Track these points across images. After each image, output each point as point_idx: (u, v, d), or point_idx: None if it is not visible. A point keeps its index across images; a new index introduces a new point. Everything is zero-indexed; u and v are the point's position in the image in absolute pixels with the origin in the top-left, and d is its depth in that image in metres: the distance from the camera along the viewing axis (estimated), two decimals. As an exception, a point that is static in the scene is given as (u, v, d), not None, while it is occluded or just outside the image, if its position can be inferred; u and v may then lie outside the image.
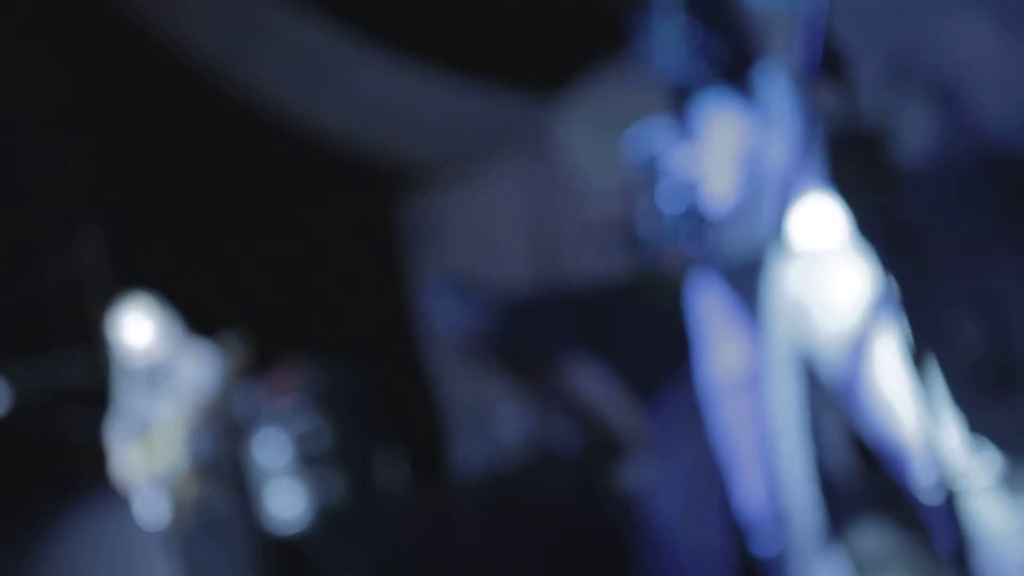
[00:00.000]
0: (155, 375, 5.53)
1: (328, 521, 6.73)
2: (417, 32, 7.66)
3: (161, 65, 7.67)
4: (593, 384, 4.83)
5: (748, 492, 2.93)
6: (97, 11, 7.39)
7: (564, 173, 7.92)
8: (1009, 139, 5.52)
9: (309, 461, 6.84)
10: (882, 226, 2.95)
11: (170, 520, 5.44)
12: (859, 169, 2.08)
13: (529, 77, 8.12)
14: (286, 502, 6.86)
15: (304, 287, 8.02)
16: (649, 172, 2.94)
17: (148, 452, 5.58)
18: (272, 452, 6.83)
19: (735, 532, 3.77)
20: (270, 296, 7.85)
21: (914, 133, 6.19)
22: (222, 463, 5.51)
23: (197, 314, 6.48)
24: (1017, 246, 3.90)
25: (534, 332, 5.15)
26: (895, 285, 2.83)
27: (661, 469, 3.98)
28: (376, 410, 7.01)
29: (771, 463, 2.90)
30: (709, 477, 3.74)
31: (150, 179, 7.59)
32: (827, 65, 2.01)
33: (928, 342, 3.84)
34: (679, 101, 2.91)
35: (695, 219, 2.89)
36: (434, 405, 8.93)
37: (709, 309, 3.06)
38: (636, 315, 5.17)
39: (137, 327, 5.50)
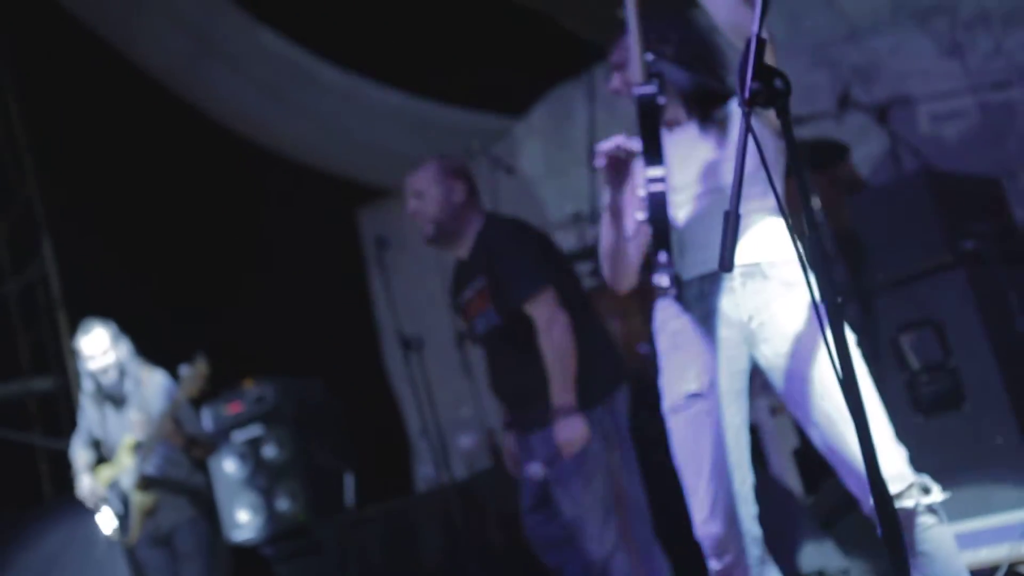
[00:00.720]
0: (114, 393, 5.58)
1: (284, 533, 6.77)
2: (385, 52, 7.72)
3: (122, 84, 7.69)
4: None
5: (698, 512, 2.97)
6: (57, 34, 7.39)
7: (525, 190, 8.03)
8: (949, 156, 5.67)
9: (267, 473, 6.87)
10: (825, 242, 3.02)
11: (127, 530, 5.50)
12: (803, 186, 2.14)
13: (493, 97, 8.23)
14: (243, 513, 6.89)
15: (267, 302, 8.03)
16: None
17: (106, 466, 5.63)
18: (230, 464, 6.87)
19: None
20: (233, 312, 7.86)
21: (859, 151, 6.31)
22: (177, 476, 5.54)
23: (157, 331, 6.51)
24: (958, 260, 3.99)
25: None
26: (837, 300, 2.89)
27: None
28: (336, 424, 7.04)
29: (720, 483, 2.93)
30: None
31: (108, 199, 7.59)
32: (765, 90, 2.07)
33: (867, 357, 3.94)
34: (646, 122, 2.97)
35: (660, 234, 2.96)
36: (394, 419, 9.00)
37: (668, 328, 3.11)
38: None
39: (97, 348, 5.55)
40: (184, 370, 5.37)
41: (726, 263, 2.07)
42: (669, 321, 3.04)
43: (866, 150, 6.33)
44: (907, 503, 2.76)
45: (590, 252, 5.96)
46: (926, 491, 2.79)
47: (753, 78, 2.09)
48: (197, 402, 5.75)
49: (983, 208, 4.33)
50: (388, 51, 7.69)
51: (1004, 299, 3.98)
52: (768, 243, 2.91)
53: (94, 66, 7.53)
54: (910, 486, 2.77)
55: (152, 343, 6.02)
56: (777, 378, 2.91)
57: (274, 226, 8.15)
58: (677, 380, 3.02)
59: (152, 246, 7.72)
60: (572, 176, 8.17)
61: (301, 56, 7.74)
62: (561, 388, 3.89)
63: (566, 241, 6.96)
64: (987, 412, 3.82)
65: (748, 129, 2.10)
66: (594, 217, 5.64)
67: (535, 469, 3.93)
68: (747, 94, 2.08)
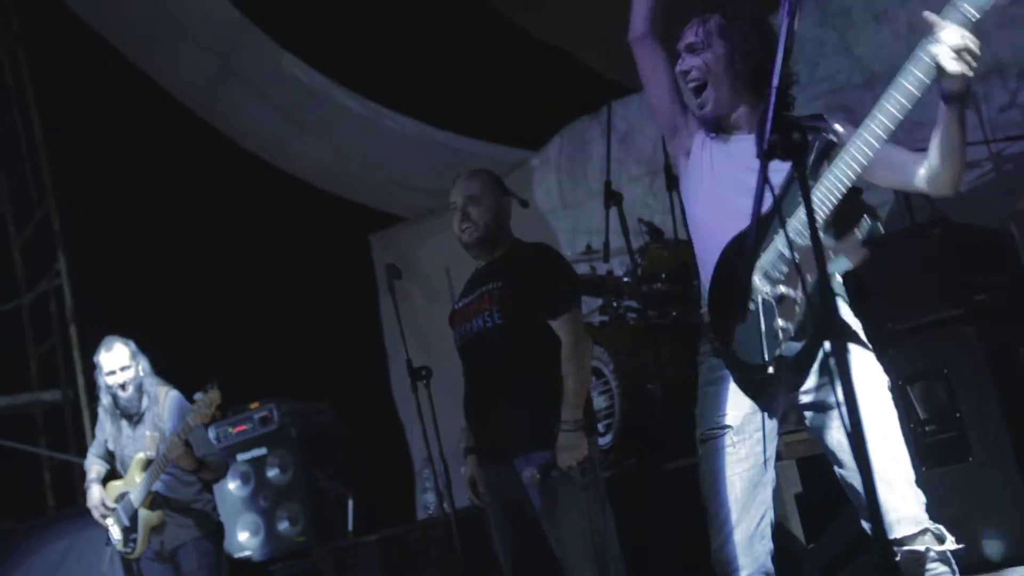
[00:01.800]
0: (130, 409, 5.62)
1: (283, 554, 6.80)
2: (404, 81, 7.79)
3: (145, 104, 7.77)
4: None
5: (714, 538, 3.00)
6: (83, 53, 7.48)
7: (539, 222, 8.06)
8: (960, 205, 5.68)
9: (269, 494, 6.91)
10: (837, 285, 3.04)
11: (133, 544, 5.53)
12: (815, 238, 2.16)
13: (510, 129, 8.29)
14: (244, 532, 6.92)
15: (278, 325, 8.08)
16: None
17: (118, 479, 5.66)
18: (233, 483, 6.90)
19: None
20: (244, 333, 7.90)
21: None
22: (185, 497, 5.58)
23: (169, 349, 6.54)
24: (969, 313, 4.01)
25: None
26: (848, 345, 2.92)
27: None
28: (340, 449, 7.07)
29: (740, 514, 2.96)
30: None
31: (125, 217, 7.65)
32: (783, 142, 2.10)
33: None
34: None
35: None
36: (400, 447, 9.00)
37: (709, 361, 3.14)
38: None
39: (117, 363, 5.61)
40: (198, 396, 5.41)
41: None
42: (710, 355, 3.03)
43: (880, 196, 6.35)
44: (918, 547, 2.77)
45: (602, 287, 5.98)
46: (940, 539, 2.79)
47: (772, 130, 2.11)
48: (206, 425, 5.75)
49: (994, 260, 4.35)
50: (407, 80, 7.76)
51: (1013, 353, 3.99)
52: (779, 277, 2.88)
53: (118, 86, 7.63)
54: (924, 531, 2.77)
55: (163, 361, 6.06)
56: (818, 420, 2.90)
57: (288, 249, 8.20)
58: (711, 411, 3.06)
59: (166, 265, 7.77)
60: (586, 210, 8.21)
61: (322, 83, 7.82)
62: (574, 405, 3.93)
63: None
64: (992, 466, 3.83)
65: (764, 179, 2.12)
66: (607, 253, 5.64)
67: (529, 473, 3.93)
68: (765, 146, 2.11)
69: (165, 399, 5.73)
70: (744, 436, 3.00)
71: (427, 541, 5.65)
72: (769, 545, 3.02)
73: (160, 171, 7.76)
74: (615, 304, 5.76)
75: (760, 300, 2.83)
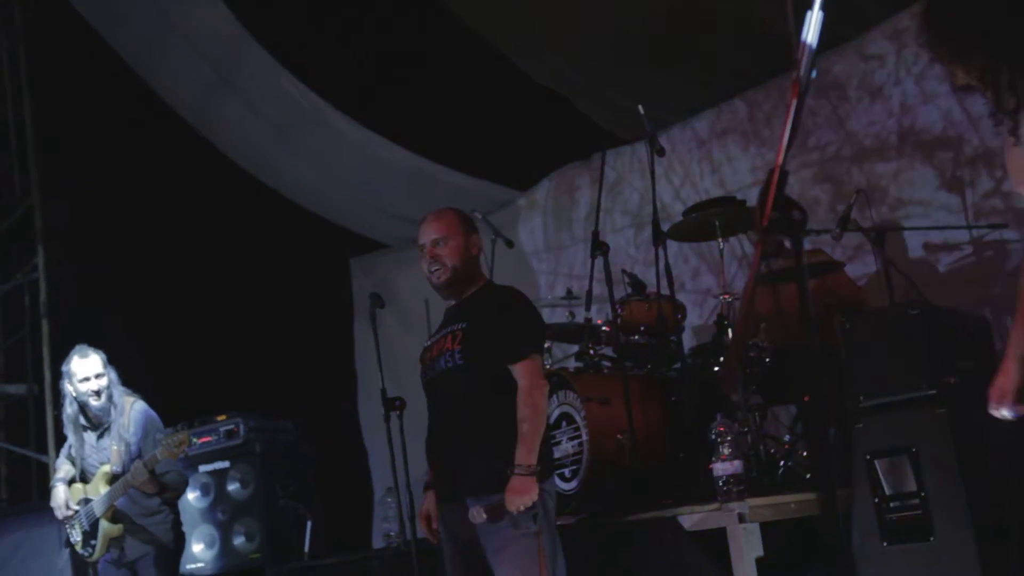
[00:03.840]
0: (98, 418, 5.63)
1: (236, 570, 6.76)
2: (400, 110, 7.83)
3: (138, 108, 7.77)
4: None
5: None
6: (79, 52, 7.48)
7: (521, 263, 8.11)
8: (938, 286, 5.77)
9: (228, 508, 6.88)
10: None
11: (91, 549, 5.53)
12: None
13: (500, 168, 8.35)
14: (199, 544, 6.88)
15: (252, 340, 8.07)
16: None
17: (81, 488, 5.66)
18: (192, 494, 6.87)
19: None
20: (217, 344, 7.89)
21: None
22: (145, 514, 5.60)
23: (143, 357, 6.54)
24: (941, 395, 4.08)
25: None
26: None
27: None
28: (304, 469, 7.05)
29: None
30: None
31: (106, 219, 7.63)
32: (783, 220, 2.15)
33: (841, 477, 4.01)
34: None
35: None
36: (362, 474, 8.99)
37: None
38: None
39: (91, 370, 5.64)
40: (168, 432, 5.50)
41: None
42: None
43: (860, 269, 6.46)
44: None
45: (579, 333, 6.03)
46: None
47: (773, 207, 2.17)
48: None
49: (969, 344, 4.42)
50: (403, 110, 7.81)
51: (981, 438, 4.05)
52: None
53: (115, 88, 7.63)
54: None
55: (133, 368, 6.06)
56: None
57: (269, 265, 8.20)
58: None
59: (145, 269, 7.75)
60: (568, 254, 8.28)
61: (318, 103, 7.85)
62: (527, 450, 3.97)
63: (556, 320, 7.03)
64: (952, 547, 3.89)
65: (762, 257, 2.18)
66: (589, 300, 5.69)
67: (477, 512, 3.96)
68: (766, 222, 2.16)
69: (131, 410, 5.76)
70: None
71: (382, 571, 5.65)
72: None
73: (148, 177, 7.74)
74: (592, 351, 5.81)
75: None
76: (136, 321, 7.54)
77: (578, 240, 8.21)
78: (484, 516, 3.94)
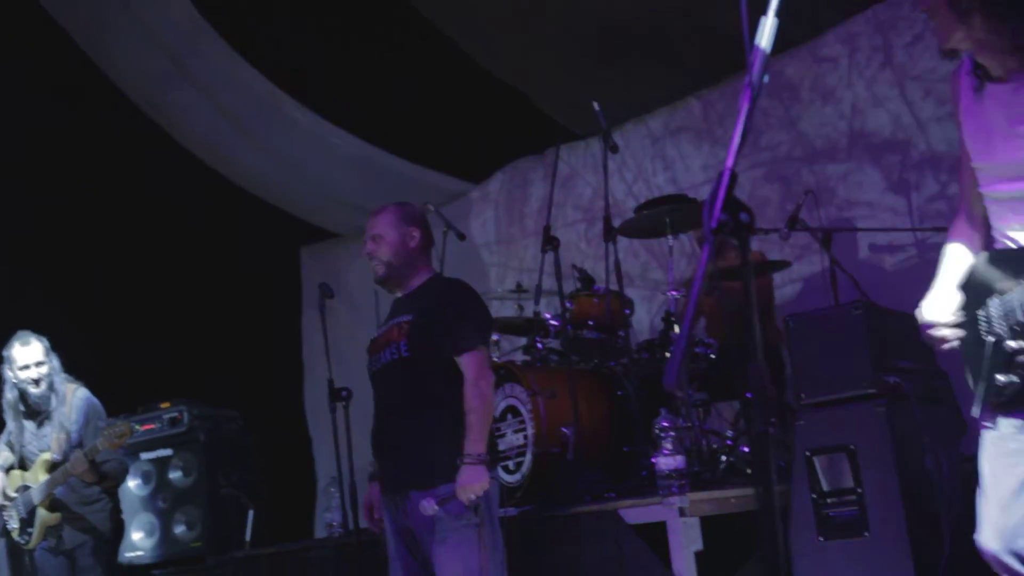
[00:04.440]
0: (39, 405, 5.56)
1: (176, 558, 6.74)
2: (355, 100, 7.80)
3: (89, 89, 7.66)
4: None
5: None
6: (29, 38, 7.33)
7: (471, 255, 8.12)
8: (882, 286, 5.85)
9: (169, 496, 6.84)
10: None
11: (28, 536, 5.47)
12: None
13: (454, 160, 8.35)
14: (138, 532, 6.84)
15: (198, 327, 8.01)
16: None
17: (20, 475, 5.59)
18: (133, 481, 6.81)
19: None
20: (164, 332, 7.83)
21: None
22: (84, 503, 5.55)
23: (87, 343, 6.46)
24: (880, 393, 4.14)
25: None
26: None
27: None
28: (247, 459, 7.01)
29: None
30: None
31: (49, 201, 7.49)
32: (731, 221, 2.18)
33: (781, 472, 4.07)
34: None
35: None
36: (305, 464, 8.96)
37: None
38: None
39: (32, 358, 5.57)
40: (109, 422, 5.44)
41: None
42: None
43: (806, 269, 6.53)
44: None
45: (527, 327, 6.05)
46: None
47: (721, 209, 2.19)
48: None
49: (911, 345, 4.47)
50: (358, 100, 7.78)
51: (918, 436, 4.12)
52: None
53: (65, 70, 7.50)
54: None
55: (76, 354, 5.99)
56: None
57: (218, 253, 8.13)
58: None
59: (90, 255, 7.64)
60: (519, 248, 8.30)
61: (272, 91, 7.81)
62: (477, 439, 3.99)
63: (505, 313, 7.05)
64: (887, 543, 3.95)
65: (712, 256, 2.20)
66: (539, 294, 5.72)
67: (427, 504, 3.97)
68: (714, 224, 2.19)
69: (73, 398, 5.70)
70: None
71: (323, 561, 5.64)
72: None
73: (94, 161, 7.62)
74: (539, 345, 5.83)
75: None
76: (80, 307, 7.46)
77: (529, 234, 8.23)
78: (436, 508, 3.95)
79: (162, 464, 6.94)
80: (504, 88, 7.61)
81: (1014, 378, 2.70)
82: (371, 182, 8.30)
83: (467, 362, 4.11)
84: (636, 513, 4.39)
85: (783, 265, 5.97)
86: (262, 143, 8.19)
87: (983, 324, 2.77)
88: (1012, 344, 2.69)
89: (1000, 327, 2.73)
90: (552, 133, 7.78)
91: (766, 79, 2.43)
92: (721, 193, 2.25)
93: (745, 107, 2.37)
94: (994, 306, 2.75)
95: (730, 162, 2.30)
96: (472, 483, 3.95)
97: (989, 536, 2.81)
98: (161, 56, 7.71)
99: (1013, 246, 2.78)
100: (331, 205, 8.85)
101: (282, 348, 9.05)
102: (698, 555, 4.23)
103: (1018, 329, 2.69)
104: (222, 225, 8.23)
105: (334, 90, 7.83)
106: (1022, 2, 2.70)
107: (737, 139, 2.35)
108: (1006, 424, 2.78)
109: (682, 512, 4.26)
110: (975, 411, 2.81)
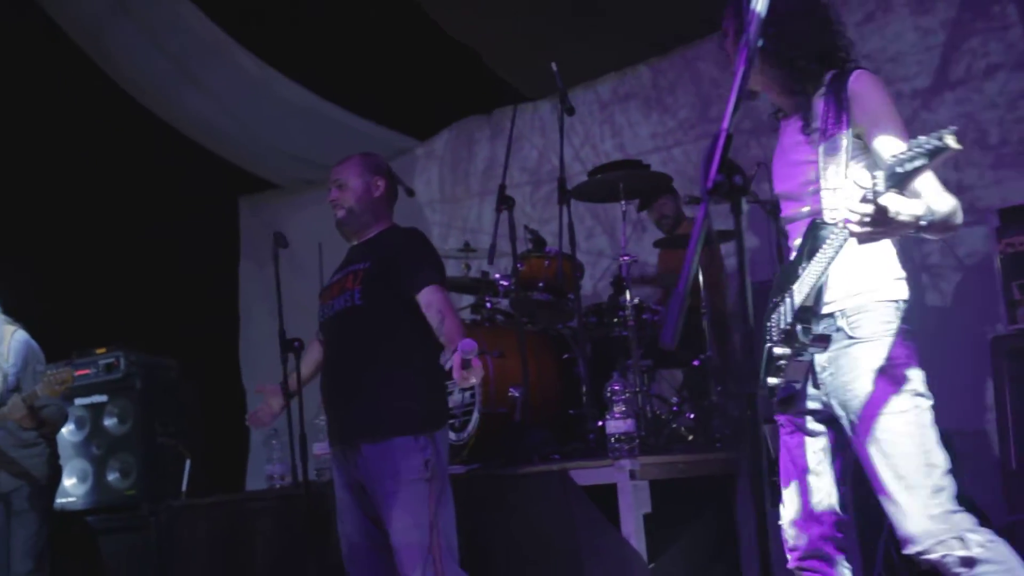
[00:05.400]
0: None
1: (109, 505, 6.67)
2: (304, 50, 7.69)
3: (29, 31, 7.43)
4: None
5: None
6: None
7: (415, 213, 8.07)
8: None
9: (103, 443, 6.75)
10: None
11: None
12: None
13: (400, 115, 8.28)
14: (71, 479, 6.74)
15: (134, 273, 7.87)
16: None
17: None
18: (67, 427, 6.69)
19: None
20: (99, 277, 7.67)
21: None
22: (20, 447, 5.45)
23: (24, 287, 6.28)
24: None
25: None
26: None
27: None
28: (185, 408, 6.94)
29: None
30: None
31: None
32: (726, 183, 2.22)
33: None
34: None
35: None
36: (238, 415, 8.87)
37: None
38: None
39: None
40: (50, 370, 5.32)
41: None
42: None
43: (755, 241, 6.61)
44: (933, 556, 2.83)
45: (474, 286, 6.05)
46: (961, 541, 2.81)
47: (718, 171, 2.22)
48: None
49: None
50: (307, 50, 7.67)
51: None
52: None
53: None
54: (939, 542, 2.81)
55: (13, 297, 5.87)
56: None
57: (156, 199, 7.98)
58: None
59: (27, 199, 7.44)
60: (463, 207, 8.28)
61: (220, 36, 7.66)
62: (459, 340, 3.71)
63: (450, 273, 7.02)
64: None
65: (707, 215, 2.23)
66: (492, 254, 5.71)
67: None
68: (710, 184, 2.21)
69: (11, 339, 5.60)
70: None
71: (267, 510, 5.60)
72: None
73: (33, 102, 7.41)
74: (488, 305, 5.84)
75: None
76: (14, 249, 7.27)
77: (474, 194, 8.21)
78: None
79: (97, 410, 6.83)
80: (454, 45, 7.55)
81: (778, 381, 2.99)
82: (315, 134, 8.21)
83: (430, 296, 4.04)
84: (586, 475, 4.43)
85: (733, 235, 6.03)
86: (205, 89, 8.02)
87: (766, 332, 3.05)
88: (776, 350, 2.97)
89: (774, 334, 3.01)
90: (501, 93, 7.77)
91: (760, 43, 2.46)
92: (717, 154, 2.27)
93: (741, 68, 2.40)
94: (773, 315, 3.02)
95: (725, 124, 2.32)
96: (470, 370, 3.66)
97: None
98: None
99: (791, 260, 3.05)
100: (273, 155, 8.74)
101: (218, 298, 8.94)
102: (647, 517, 4.29)
103: (783, 336, 2.97)
104: (160, 170, 8.06)
105: (281, 38, 7.69)
106: (791, 52, 3.03)
107: (732, 101, 2.37)
108: (784, 420, 3.11)
109: (632, 475, 4.31)
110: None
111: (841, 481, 3.09)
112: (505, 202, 5.36)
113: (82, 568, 6.44)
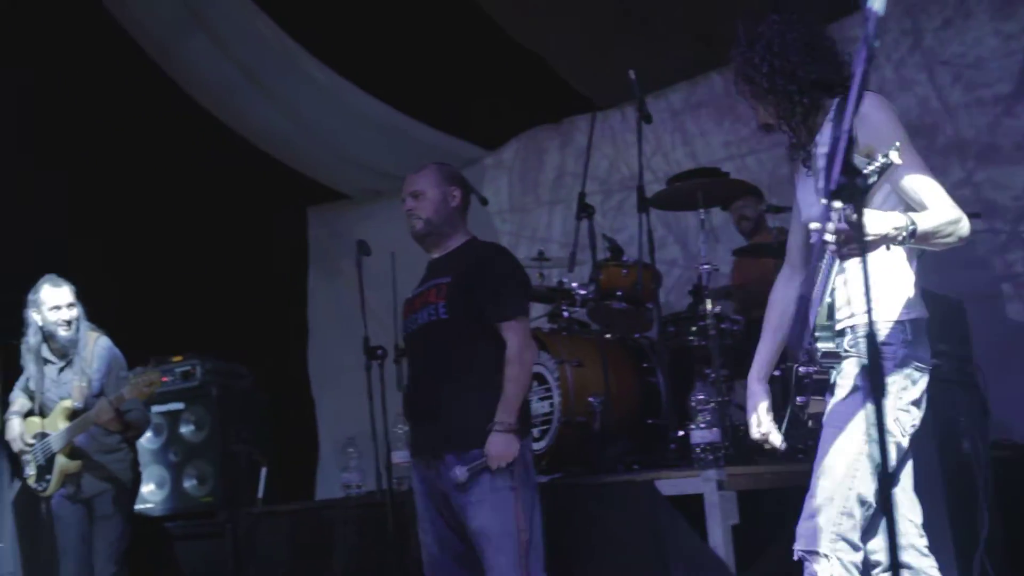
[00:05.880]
0: (64, 349, 5.51)
1: (186, 512, 6.73)
2: (375, 61, 7.72)
3: (102, 41, 7.50)
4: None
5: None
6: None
7: (485, 223, 8.08)
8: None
9: (180, 449, 6.82)
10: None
11: (46, 484, 5.43)
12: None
13: (470, 125, 8.29)
14: (149, 485, 6.80)
15: (207, 282, 7.92)
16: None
17: (38, 422, 5.54)
18: (147, 435, 6.74)
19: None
20: (175, 286, 7.74)
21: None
22: (105, 451, 5.51)
23: (103, 295, 6.35)
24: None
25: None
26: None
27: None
28: (259, 416, 6.97)
29: None
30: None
31: (63, 152, 7.34)
32: (849, 186, 2.20)
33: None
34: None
35: None
36: (308, 424, 8.93)
37: None
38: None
39: (63, 300, 5.51)
40: (137, 371, 5.40)
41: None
42: None
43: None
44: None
45: (550, 295, 6.03)
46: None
47: (841, 173, 2.19)
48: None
49: (947, 329, 4.50)
50: (377, 61, 7.71)
51: (956, 419, 4.15)
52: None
53: (76, 18, 7.35)
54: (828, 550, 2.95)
55: (94, 305, 5.93)
56: None
57: (227, 209, 8.04)
58: None
59: (103, 207, 7.52)
60: (532, 217, 8.27)
61: (291, 46, 7.72)
62: (510, 408, 4.01)
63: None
64: (926, 526, 3.96)
65: (827, 218, 2.20)
66: (572, 262, 5.68)
67: (460, 472, 3.98)
68: (833, 186, 2.18)
69: (94, 346, 5.67)
70: None
71: (347, 519, 5.61)
72: None
73: (107, 112, 7.49)
74: (566, 314, 5.82)
75: None
76: (97, 260, 7.35)
77: (543, 203, 8.21)
78: (467, 475, 3.96)
79: (174, 418, 6.91)
80: (523, 54, 7.56)
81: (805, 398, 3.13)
82: (385, 143, 8.25)
83: (511, 331, 4.11)
84: (672, 484, 4.39)
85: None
86: (276, 100, 8.09)
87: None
88: (800, 369, 3.12)
89: (800, 356, 3.15)
90: (570, 103, 7.76)
91: (877, 43, 2.42)
92: (839, 157, 2.25)
93: (860, 68, 2.36)
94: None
95: (847, 126, 2.29)
96: (502, 452, 3.95)
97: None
98: (178, 6, 7.58)
99: None
100: (341, 166, 8.79)
101: (287, 307, 8.99)
102: (735, 528, 4.24)
103: (805, 355, 3.11)
104: (231, 180, 8.12)
105: (351, 48, 7.74)
106: (789, 85, 3.13)
107: (853, 101, 2.34)
108: None
109: (720, 485, 4.26)
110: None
111: None
112: (585, 210, 5.34)
113: (160, 573, 6.49)
